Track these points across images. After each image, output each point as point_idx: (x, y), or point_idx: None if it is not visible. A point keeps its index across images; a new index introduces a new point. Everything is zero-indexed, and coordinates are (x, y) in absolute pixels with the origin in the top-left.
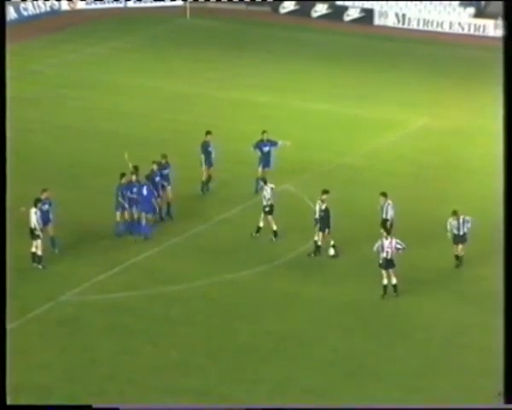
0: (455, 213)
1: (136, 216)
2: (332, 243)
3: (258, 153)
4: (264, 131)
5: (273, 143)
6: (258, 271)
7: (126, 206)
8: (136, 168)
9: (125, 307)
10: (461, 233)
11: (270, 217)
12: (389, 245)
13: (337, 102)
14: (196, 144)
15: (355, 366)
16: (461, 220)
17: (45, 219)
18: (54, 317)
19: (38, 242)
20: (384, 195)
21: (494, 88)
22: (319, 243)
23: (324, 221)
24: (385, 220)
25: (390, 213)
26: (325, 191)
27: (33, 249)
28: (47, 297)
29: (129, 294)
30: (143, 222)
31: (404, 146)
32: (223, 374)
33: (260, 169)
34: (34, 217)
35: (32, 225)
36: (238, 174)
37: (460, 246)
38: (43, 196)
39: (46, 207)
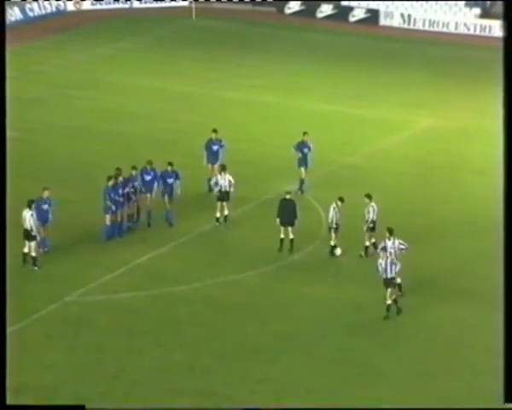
0: (384, 250)
1: (119, 219)
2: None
3: (299, 154)
4: (305, 133)
5: (309, 148)
6: (262, 271)
7: (113, 208)
8: (119, 170)
9: (130, 307)
10: (389, 276)
11: (219, 203)
12: (392, 246)
13: (342, 103)
14: (200, 145)
15: (359, 367)
16: (388, 261)
17: (44, 219)
18: (59, 317)
19: (33, 243)
20: (368, 197)
21: (500, 88)
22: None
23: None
24: (366, 222)
25: (371, 216)
26: (341, 199)
27: (26, 250)
28: (52, 298)
29: (134, 294)
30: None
31: (409, 146)
32: (227, 374)
33: (303, 170)
34: (31, 219)
35: (29, 227)
36: (242, 175)
37: (389, 290)
38: (44, 195)
39: (46, 206)
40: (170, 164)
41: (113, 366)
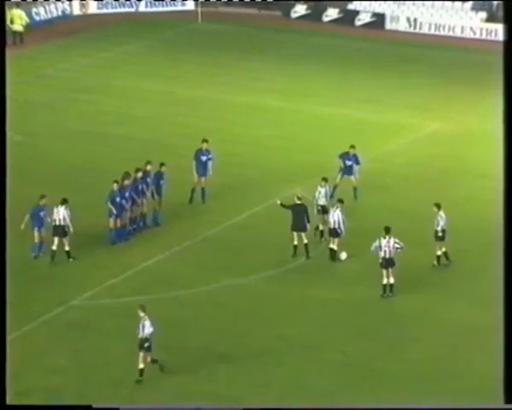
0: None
1: (119, 224)
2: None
3: (341, 164)
4: (352, 146)
5: (357, 161)
6: (268, 275)
7: (114, 212)
8: (127, 173)
9: (135, 311)
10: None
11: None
12: (386, 244)
13: (348, 107)
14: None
15: (364, 369)
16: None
17: (40, 225)
18: (65, 321)
19: (67, 238)
20: (437, 206)
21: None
22: (335, 248)
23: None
24: (436, 232)
25: (441, 224)
26: (340, 200)
27: (54, 248)
28: (58, 301)
29: (140, 298)
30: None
31: (414, 150)
32: (233, 378)
33: (352, 178)
34: (67, 214)
35: (63, 222)
36: (248, 179)
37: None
38: (41, 203)
39: (43, 213)
40: (162, 164)
41: (119, 368)
